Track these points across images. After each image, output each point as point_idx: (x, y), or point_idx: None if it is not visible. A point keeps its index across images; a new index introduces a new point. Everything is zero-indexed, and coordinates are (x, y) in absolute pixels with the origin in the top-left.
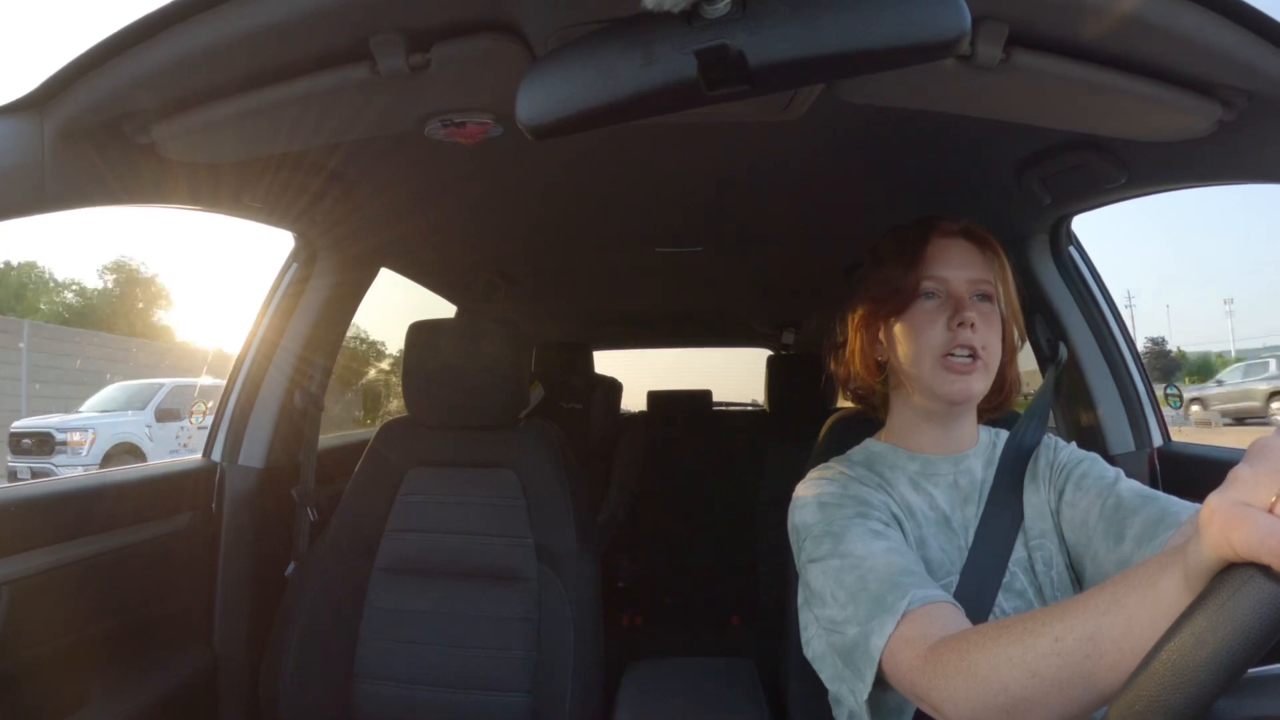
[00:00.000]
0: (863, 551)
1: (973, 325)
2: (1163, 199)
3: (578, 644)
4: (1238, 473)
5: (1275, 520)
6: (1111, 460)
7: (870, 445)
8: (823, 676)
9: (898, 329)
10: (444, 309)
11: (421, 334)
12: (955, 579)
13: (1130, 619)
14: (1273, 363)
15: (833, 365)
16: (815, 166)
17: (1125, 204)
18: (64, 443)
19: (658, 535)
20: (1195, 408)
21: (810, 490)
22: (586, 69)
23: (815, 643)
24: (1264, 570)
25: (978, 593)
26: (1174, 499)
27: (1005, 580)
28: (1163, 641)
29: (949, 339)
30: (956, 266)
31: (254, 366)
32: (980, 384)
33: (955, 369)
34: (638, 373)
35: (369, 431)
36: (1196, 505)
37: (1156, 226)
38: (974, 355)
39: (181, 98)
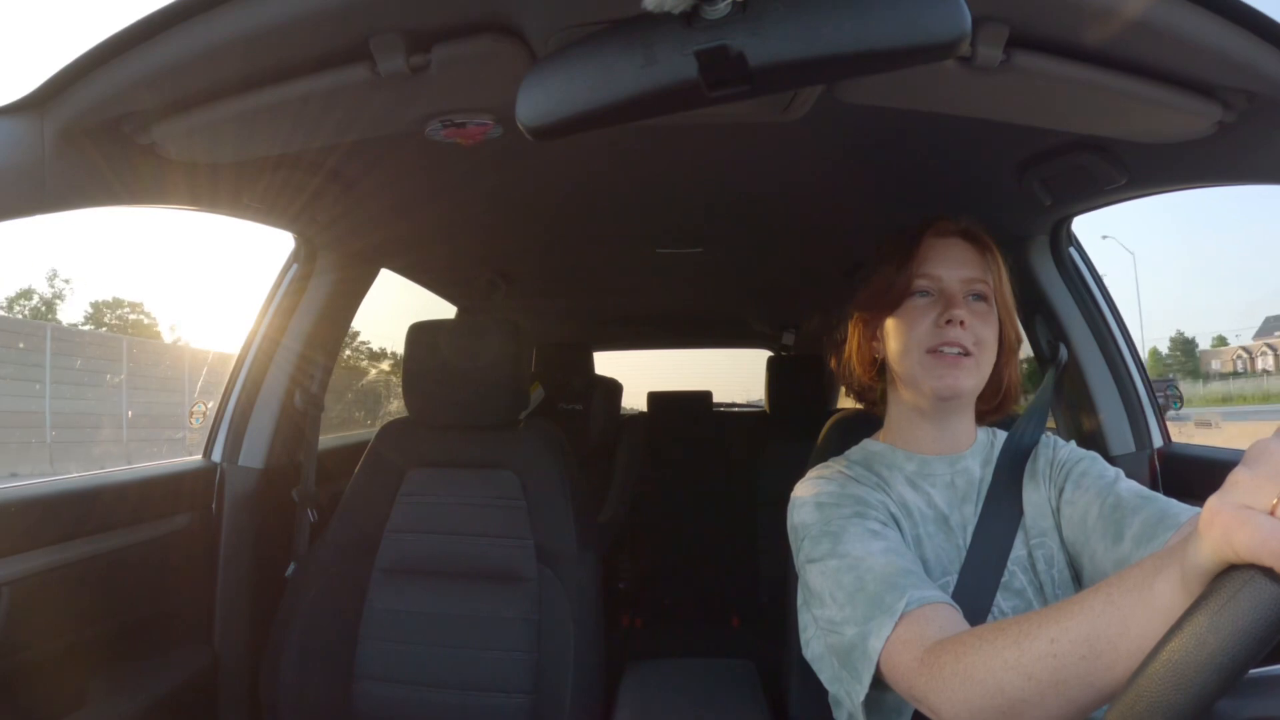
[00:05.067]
0: (860, 552)
1: (962, 323)
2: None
3: (578, 644)
4: (1237, 476)
5: (1277, 522)
6: (1112, 462)
7: (868, 445)
8: (822, 678)
9: (890, 326)
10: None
11: (422, 334)
12: (953, 578)
13: (1126, 620)
14: None
15: (834, 364)
16: (815, 167)
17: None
18: None
19: (658, 536)
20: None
21: (808, 490)
22: (587, 70)
23: (815, 643)
24: (1265, 571)
25: (976, 592)
26: (1173, 501)
27: (1004, 579)
28: (1163, 642)
29: (936, 334)
30: (950, 265)
31: (254, 367)
32: (969, 380)
33: (944, 360)
34: (637, 374)
35: (370, 431)
36: (1196, 508)
37: None
38: (964, 352)
39: (181, 98)
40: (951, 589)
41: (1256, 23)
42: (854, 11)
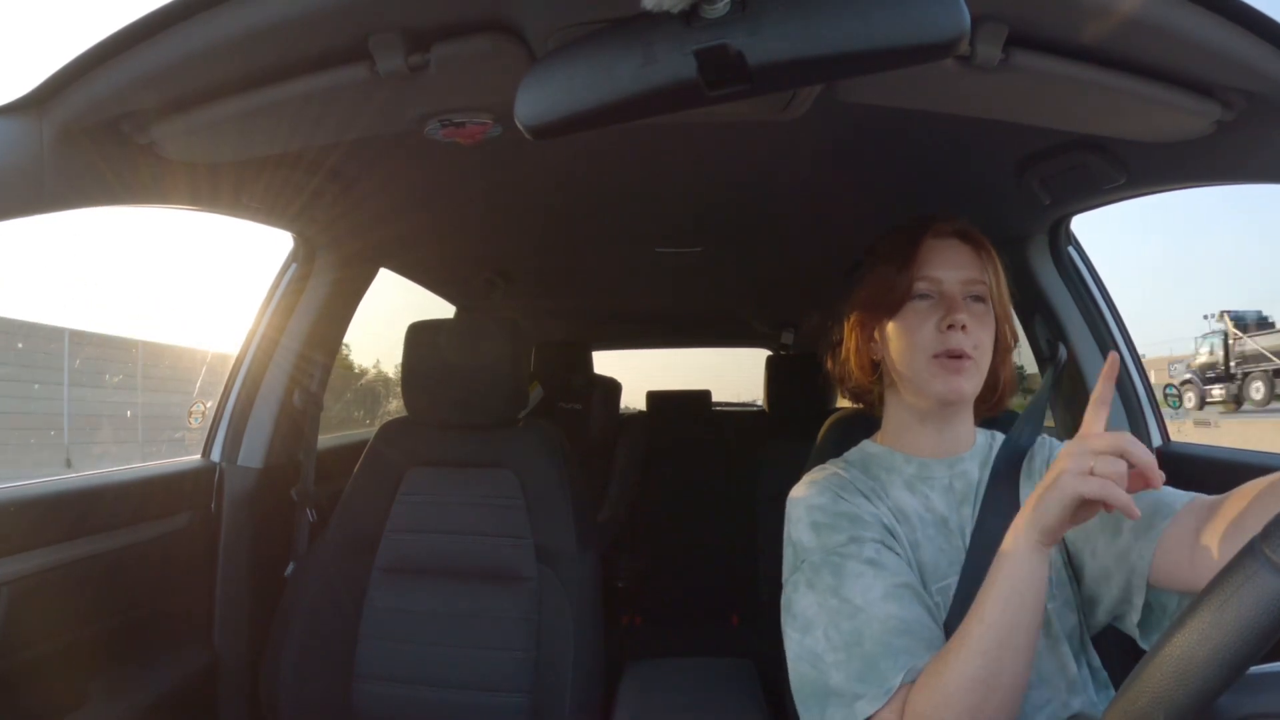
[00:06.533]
0: (861, 600)
1: (964, 327)
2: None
3: (577, 643)
4: None
5: None
6: None
7: (867, 447)
8: (794, 692)
9: (890, 329)
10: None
11: (421, 334)
12: (954, 580)
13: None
14: None
15: (830, 365)
16: (814, 166)
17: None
18: None
19: (657, 535)
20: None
21: (803, 496)
22: (586, 69)
23: (797, 665)
24: (1268, 565)
25: (976, 593)
26: (1168, 489)
27: None
28: (1166, 637)
29: (940, 340)
30: (950, 267)
31: (253, 366)
32: (971, 384)
33: (947, 366)
34: (636, 373)
35: (368, 431)
36: (1191, 494)
37: None
38: (966, 356)
39: (181, 97)
40: (952, 591)
41: (1256, 22)
42: (853, 10)
